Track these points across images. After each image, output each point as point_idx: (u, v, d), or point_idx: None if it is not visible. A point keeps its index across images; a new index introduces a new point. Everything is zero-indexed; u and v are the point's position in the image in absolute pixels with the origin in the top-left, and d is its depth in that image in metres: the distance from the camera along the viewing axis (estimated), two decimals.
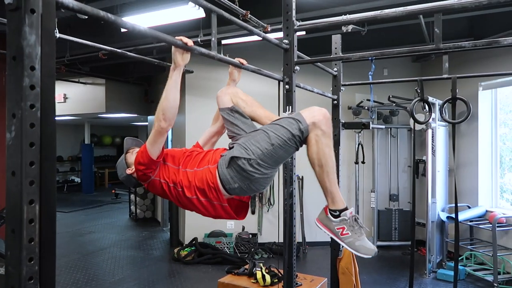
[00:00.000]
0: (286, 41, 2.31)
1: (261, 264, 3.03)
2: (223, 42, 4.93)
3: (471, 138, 5.32)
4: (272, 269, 2.96)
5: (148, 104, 8.71)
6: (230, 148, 1.73)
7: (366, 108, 5.85)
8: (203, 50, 1.60)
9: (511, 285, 4.36)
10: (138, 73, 7.72)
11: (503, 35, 4.46)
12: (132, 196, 8.50)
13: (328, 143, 1.59)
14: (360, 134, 6.04)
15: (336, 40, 3.28)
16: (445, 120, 2.80)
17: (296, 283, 2.79)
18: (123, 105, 8.43)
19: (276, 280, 2.84)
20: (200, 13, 3.89)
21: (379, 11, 2.28)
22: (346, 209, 1.64)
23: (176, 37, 1.48)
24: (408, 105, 5.71)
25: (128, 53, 4.22)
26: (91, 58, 5.51)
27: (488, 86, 5.13)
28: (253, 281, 2.87)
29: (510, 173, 5.26)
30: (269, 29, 3.87)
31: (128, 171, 1.86)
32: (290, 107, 2.31)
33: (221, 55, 1.72)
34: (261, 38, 2.29)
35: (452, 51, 2.33)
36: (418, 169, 5.73)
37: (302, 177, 5.98)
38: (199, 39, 4.32)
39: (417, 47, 2.07)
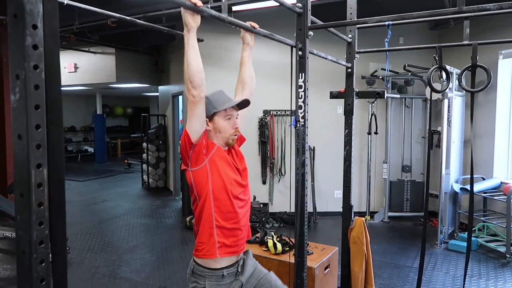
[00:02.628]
0: (299, 4, 2.21)
1: (272, 233, 3.04)
2: (234, 8, 4.79)
3: (489, 109, 5.17)
4: (283, 237, 2.97)
5: (158, 74, 8.65)
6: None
7: (380, 77, 5.71)
8: (213, 12, 1.53)
9: None
10: (147, 42, 7.61)
11: None
12: (145, 166, 8.60)
13: None
14: (373, 104, 5.92)
15: (352, 5, 3.14)
16: (463, 89, 2.71)
17: (307, 252, 2.81)
18: (133, 75, 8.39)
19: (287, 248, 2.86)
20: None
21: None
22: None
23: None
24: (424, 74, 5.56)
25: (137, 20, 4.12)
26: (100, 26, 5.43)
27: (509, 54, 4.93)
28: (265, 249, 2.89)
29: None
30: None
31: (206, 123, 1.79)
32: (303, 74, 2.24)
33: (232, 18, 1.65)
34: (273, 3, 2.19)
35: (475, 15, 2.22)
36: (432, 140, 5.63)
37: (314, 147, 5.94)
38: (209, 5, 4.19)
39: (438, 10, 1.96)
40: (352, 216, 3.39)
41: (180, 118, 7.69)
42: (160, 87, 8.96)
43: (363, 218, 3.36)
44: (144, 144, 8.58)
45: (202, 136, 1.71)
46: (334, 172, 5.73)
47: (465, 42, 2.50)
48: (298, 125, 2.23)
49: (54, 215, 0.94)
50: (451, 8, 4.36)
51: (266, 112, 5.89)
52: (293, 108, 2.24)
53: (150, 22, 4.64)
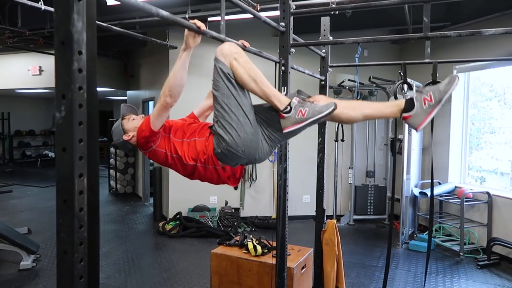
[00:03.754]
0: (282, 23, 2.40)
1: (251, 236, 3.20)
2: (209, 19, 4.93)
3: (444, 119, 5.61)
4: (262, 240, 3.14)
5: (127, 79, 8.59)
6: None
7: (347, 88, 6.03)
8: (214, 33, 1.68)
9: (475, 254, 4.76)
10: (117, 47, 7.58)
11: (479, 21, 4.68)
12: (112, 172, 8.48)
13: (247, 59, 1.69)
14: None
15: (325, 22, 3.38)
16: None
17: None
18: (101, 79, 8.27)
19: (266, 250, 3.02)
20: None
21: None
22: (291, 100, 1.74)
23: (190, 21, 1.56)
24: (386, 86, 5.94)
25: (114, 27, 4.16)
26: None
27: (462, 69, 5.39)
28: (245, 251, 3.04)
29: (477, 151, 5.62)
30: (258, 8, 3.92)
31: (125, 137, 1.93)
32: (286, 87, 2.43)
33: (230, 39, 1.80)
34: (251, 16, 2.33)
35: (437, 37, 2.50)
36: (394, 147, 6.01)
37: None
38: (187, 16, 4.31)
39: (407, 35, 2.22)
40: (325, 219, 3.62)
41: None
42: (129, 92, 8.88)
43: (335, 221, 3.59)
44: (112, 149, 8.47)
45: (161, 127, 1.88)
46: (303, 178, 5.97)
47: (426, 60, 2.78)
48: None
49: (90, 219, 1.05)
50: (411, 25, 4.76)
51: None
52: None
53: (124, 28, 4.70)
